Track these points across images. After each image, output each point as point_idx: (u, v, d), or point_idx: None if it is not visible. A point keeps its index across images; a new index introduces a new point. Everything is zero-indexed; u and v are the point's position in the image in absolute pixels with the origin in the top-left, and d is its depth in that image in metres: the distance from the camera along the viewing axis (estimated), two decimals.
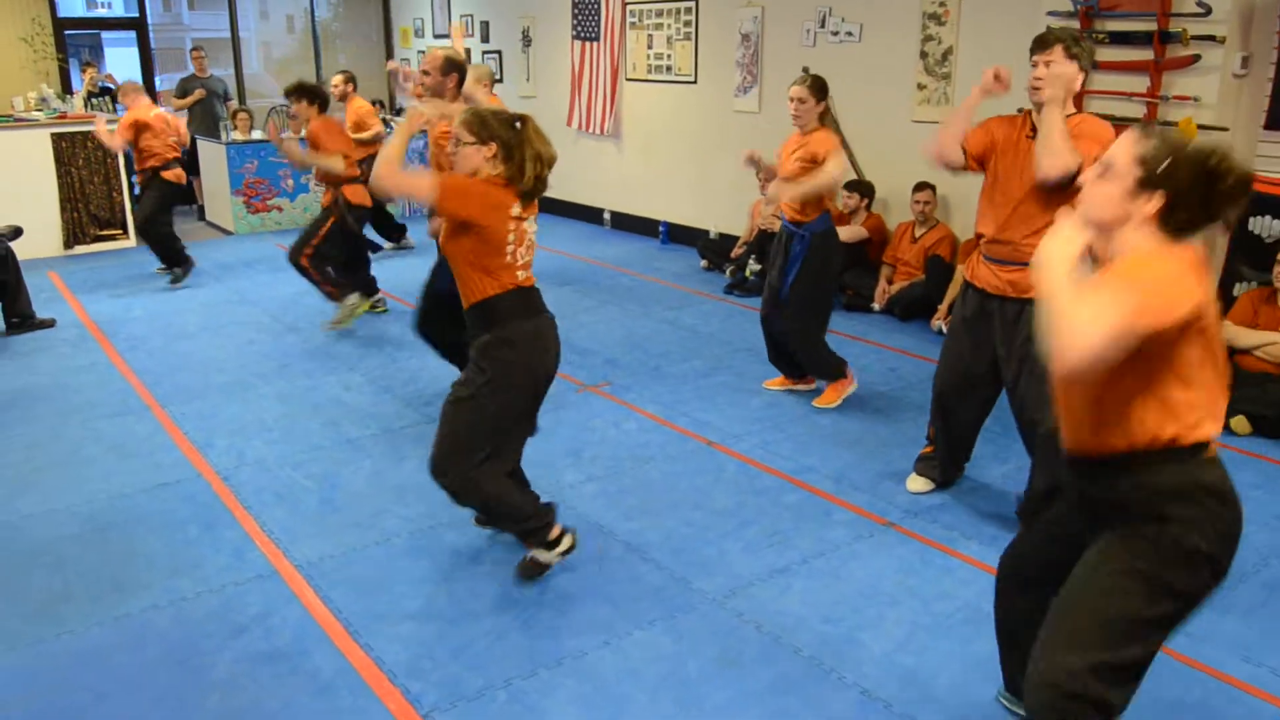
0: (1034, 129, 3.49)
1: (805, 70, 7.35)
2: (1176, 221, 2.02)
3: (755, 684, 2.91)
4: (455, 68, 4.82)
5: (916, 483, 4.19)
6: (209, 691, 2.89)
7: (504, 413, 3.24)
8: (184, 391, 5.38)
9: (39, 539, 3.80)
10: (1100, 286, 1.90)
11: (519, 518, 3.38)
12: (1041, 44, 3.45)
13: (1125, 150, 2.05)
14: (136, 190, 8.29)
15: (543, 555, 3.44)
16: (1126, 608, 2.03)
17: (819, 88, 4.83)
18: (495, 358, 3.18)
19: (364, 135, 7.77)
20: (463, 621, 3.23)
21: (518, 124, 3.18)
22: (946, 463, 4.13)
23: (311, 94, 6.38)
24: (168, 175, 7.63)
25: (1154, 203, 2.01)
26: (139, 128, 7.51)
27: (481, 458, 3.22)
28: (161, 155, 7.59)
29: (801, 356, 5.11)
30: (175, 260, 7.83)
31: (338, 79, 8.28)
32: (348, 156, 6.28)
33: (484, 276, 3.15)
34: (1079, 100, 3.54)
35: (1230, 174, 1.99)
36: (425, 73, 4.79)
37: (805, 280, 4.92)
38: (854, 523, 3.91)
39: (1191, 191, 1.99)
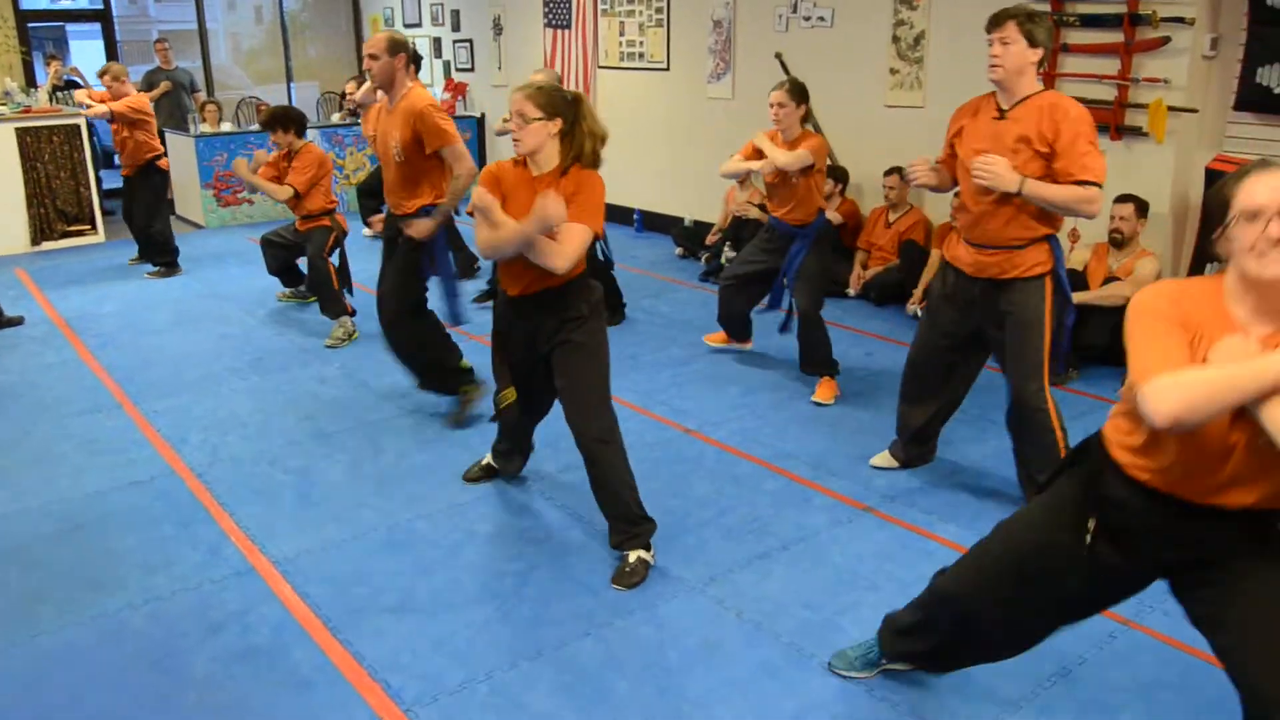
0: (1000, 111, 3.50)
1: (778, 56, 7.36)
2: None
3: (736, 671, 2.92)
4: (401, 46, 4.45)
5: (880, 458, 4.25)
6: (187, 690, 2.86)
7: None
8: (156, 387, 5.32)
9: (12, 539, 3.75)
10: None
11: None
12: (995, 21, 3.44)
13: None
14: (112, 184, 8.16)
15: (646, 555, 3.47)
16: None
17: (799, 91, 4.81)
18: (598, 325, 3.35)
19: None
20: (442, 614, 3.21)
21: (571, 99, 3.16)
22: (906, 438, 4.14)
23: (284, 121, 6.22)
24: (162, 165, 7.51)
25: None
26: (141, 119, 7.30)
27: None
28: (155, 146, 7.42)
29: (812, 348, 5.08)
30: (171, 258, 7.73)
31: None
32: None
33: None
34: (1050, 79, 3.52)
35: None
36: (373, 56, 4.42)
37: (811, 264, 4.99)
38: (832, 508, 3.92)
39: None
